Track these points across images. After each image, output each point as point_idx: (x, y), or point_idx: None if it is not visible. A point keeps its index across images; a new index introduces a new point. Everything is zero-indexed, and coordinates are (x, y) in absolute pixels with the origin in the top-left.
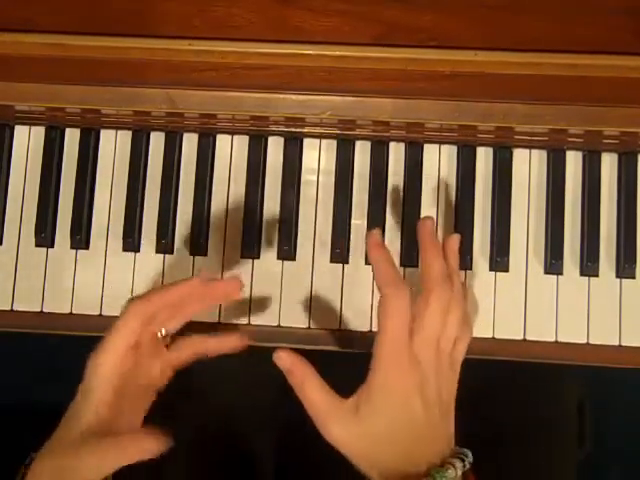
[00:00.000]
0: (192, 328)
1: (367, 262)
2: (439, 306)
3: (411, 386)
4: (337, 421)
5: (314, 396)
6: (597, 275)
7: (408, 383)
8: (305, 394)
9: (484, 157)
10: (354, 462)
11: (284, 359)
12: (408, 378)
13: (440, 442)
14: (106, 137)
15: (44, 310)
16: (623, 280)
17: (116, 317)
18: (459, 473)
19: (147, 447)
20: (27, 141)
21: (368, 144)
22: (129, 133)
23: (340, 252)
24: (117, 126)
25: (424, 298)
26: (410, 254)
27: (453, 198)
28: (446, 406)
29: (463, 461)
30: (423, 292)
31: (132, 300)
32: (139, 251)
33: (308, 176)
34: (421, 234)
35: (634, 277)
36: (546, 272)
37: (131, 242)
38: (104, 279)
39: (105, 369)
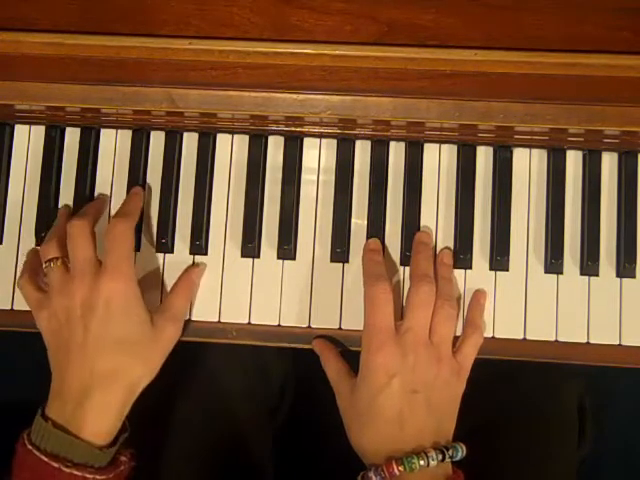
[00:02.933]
0: (193, 327)
1: None
2: (418, 298)
3: (392, 368)
4: (340, 392)
5: (328, 367)
6: (597, 274)
7: (389, 365)
8: (324, 367)
9: (484, 156)
10: (348, 436)
11: (315, 344)
12: (389, 360)
13: (423, 433)
14: (106, 136)
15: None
16: (623, 279)
17: None
18: (432, 464)
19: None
20: (27, 140)
21: (368, 143)
22: (129, 132)
23: (340, 251)
24: (117, 125)
25: (408, 295)
26: (409, 253)
27: (453, 197)
28: (437, 401)
29: (443, 454)
30: (408, 291)
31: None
32: (139, 250)
33: (308, 175)
34: (414, 242)
35: (634, 276)
36: (546, 271)
37: None
38: None
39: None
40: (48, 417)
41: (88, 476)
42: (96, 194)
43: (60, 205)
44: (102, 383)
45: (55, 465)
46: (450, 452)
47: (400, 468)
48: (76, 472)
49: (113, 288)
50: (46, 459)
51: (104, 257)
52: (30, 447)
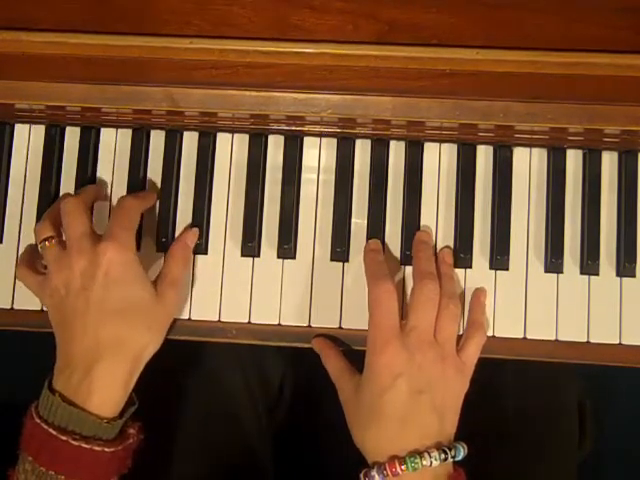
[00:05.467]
0: (193, 326)
1: None
2: (423, 296)
3: (398, 368)
4: (343, 389)
5: (329, 365)
6: (597, 274)
7: (395, 364)
8: (325, 365)
9: (484, 155)
10: (351, 433)
11: (314, 342)
12: (395, 360)
13: (427, 432)
14: (106, 135)
15: (45, 309)
16: (623, 279)
17: None
18: (435, 464)
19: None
20: (27, 139)
21: (368, 142)
22: (129, 131)
23: (340, 251)
24: (117, 124)
25: (412, 294)
26: (410, 253)
27: (453, 196)
28: (441, 401)
29: (446, 454)
30: (412, 289)
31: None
32: (139, 250)
33: (308, 174)
34: (414, 242)
35: (634, 276)
36: (546, 271)
37: None
38: None
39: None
40: (55, 390)
41: (96, 448)
42: None
43: None
44: (107, 353)
45: (63, 438)
46: (452, 452)
47: (403, 467)
48: (84, 444)
49: (112, 257)
50: (54, 432)
51: (107, 227)
52: (38, 420)
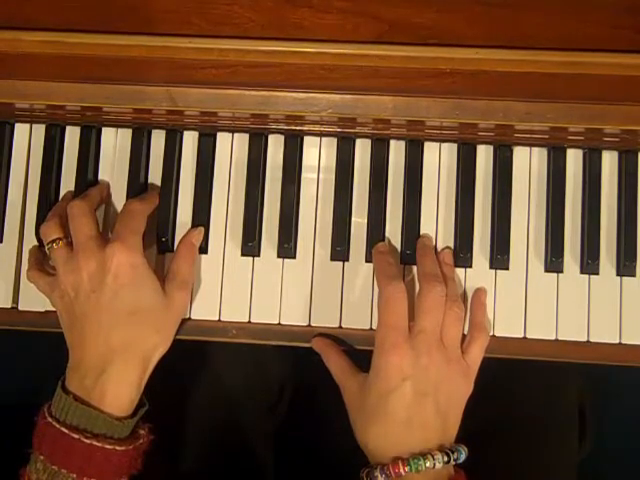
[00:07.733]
0: (193, 326)
1: (367, 260)
2: (431, 299)
3: (405, 370)
4: (346, 387)
5: (331, 365)
6: (597, 273)
7: (402, 366)
8: (327, 364)
9: (484, 155)
10: (354, 431)
11: (314, 342)
12: (403, 362)
13: (430, 434)
14: (107, 135)
15: (47, 309)
16: (623, 278)
17: None
18: (438, 466)
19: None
20: (28, 139)
21: (368, 142)
22: (129, 131)
23: (340, 250)
24: (118, 124)
25: (419, 296)
26: (410, 252)
27: (453, 195)
28: (445, 403)
29: (448, 456)
30: (419, 292)
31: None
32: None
33: (308, 174)
34: (418, 245)
35: (634, 275)
36: (546, 270)
37: None
38: None
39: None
40: (69, 390)
41: (107, 447)
42: None
43: None
44: (119, 356)
45: (75, 436)
46: (455, 455)
47: (406, 469)
48: (96, 443)
49: (120, 259)
50: (66, 431)
51: (113, 230)
52: (50, 420)
